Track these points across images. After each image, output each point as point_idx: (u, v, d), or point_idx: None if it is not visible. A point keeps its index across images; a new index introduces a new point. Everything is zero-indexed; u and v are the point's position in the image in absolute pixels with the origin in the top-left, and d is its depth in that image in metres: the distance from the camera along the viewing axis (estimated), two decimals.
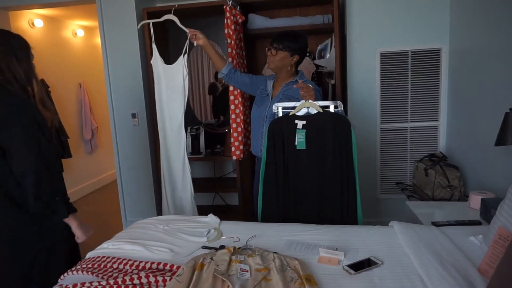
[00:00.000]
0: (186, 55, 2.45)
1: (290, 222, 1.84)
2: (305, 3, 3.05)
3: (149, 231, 1.76)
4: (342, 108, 1.97)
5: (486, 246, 1.42)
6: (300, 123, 1.91)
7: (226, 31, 2.57)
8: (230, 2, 2.56)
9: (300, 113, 1.93)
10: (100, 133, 5.33)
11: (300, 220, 1.85)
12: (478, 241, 1.50)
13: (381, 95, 2.99)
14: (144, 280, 1.28)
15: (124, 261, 1.45)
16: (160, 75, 2.54)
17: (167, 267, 1.39)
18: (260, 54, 3.27)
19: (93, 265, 1.45)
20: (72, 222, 1.57)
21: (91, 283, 1.28)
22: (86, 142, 5.03)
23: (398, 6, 2.87)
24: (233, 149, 2.64)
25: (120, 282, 1.27)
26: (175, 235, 1.71)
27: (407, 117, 2.99)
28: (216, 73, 3.39)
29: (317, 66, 3.11)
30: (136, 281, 1.28)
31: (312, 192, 1.94)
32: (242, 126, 2.65)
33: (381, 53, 2.93)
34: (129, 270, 1.39)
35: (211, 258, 1.39)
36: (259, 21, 2.99)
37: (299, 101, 1.96)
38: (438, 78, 2.90)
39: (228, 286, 1.24)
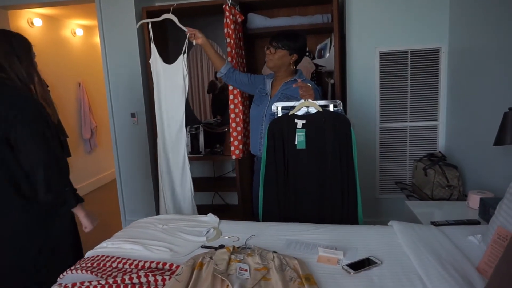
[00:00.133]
0: (185, 54, 2.45)
1: (290, 221, 1.84)
2: (305, 2, 3.05)
3: (148, 231, 1.76)
4: (341, 107, 1.97)
5: (485, 245, 1.42)
6: (300, 123, 1.91)
7: (225, 30, 2.56)
8: (230, 1, 2.56)
9: (299, 113, 1.93)
10: (99, 133, 5.33)
11: (301, 220, 1.85)
12: (477, 240, 1.50)
13: (381, 95, 2.99)
14: (143, 280, 1.28)
15: (124, 261, 1.44)
16: (160, 75, 2.54)
17: (167, 266, 1.39)
18: (260, 54, 3.27)
19: (92, 264, 1.45)
20: (79, 212, 1.65)
21: (90, 282, 1.28)
22: (85, 141, 5.03)
23: (398, 6, 2.87)
24: (232, 148, 2.64)
25: (119, 281, 1.27)
26: (174, 234, 1.71)
27: (406, 117, 2.99)
28: (216, 72, 3.39)
29: (317, 65, 3.11)
30: (135, 280, 1.28)
31: (312, 191, 1.94)
32: (242, 126, 2.64)
33: (381, 53, 2.93)
34: (129, 270, 1.39)
35: (211, 258, 1.39)
36: (258, 21, 2.99)
37: (298, 100, 1.96)
38: (438, 78, 2.90)
39: (228, 285, 1.24)
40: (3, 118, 1.46)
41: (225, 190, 3.40)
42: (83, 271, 1.40)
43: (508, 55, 2.07)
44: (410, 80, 2.94)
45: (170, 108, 2.54)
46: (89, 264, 1.45)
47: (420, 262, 1.33)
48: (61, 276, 1.42)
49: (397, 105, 2.99)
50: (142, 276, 1.29)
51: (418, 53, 2.90)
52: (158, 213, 2.71)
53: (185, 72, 2.46)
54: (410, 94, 2.95)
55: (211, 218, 1.89)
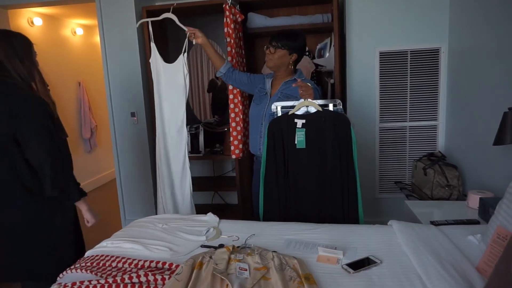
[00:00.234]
0: (185, 54, 2.45)
1: (290, 221, 1.84)
2: (305, 2, 3.05)
3: (148, 230, 1.76)
4: (341, 107, 1.97)
5: (485, 245, 1.42)
6: (299, 122, 1.91)
7: (225, 30, 2.56)
8: (230, 0, 2.56)
9: (299, 112, 1.93)
10: (99, 132, 5.33)
11: (301, 219, 1.85)
12: (476, 240, 1.50)
13: (380, 95, 2.99)
14: (143, 279, 1.28)
15: (123, 260, 1.45)
16: (160, 74, 2.54)
17: (166, 266, 1.39)
18: (260, 53, 3.27)
19: (92, 263, 1.45)
20: (82, 205, 1.70)
21: (90, 281, 1.28)
22: (85, 141, 5.03)
23: (398, 6, 2.87)
24: (232, 148, 2.64)
25: (119, 281, 1.27)
26: (174, 233, 1.71)
27: (406, 117, 2.99)
28: (216, 72, 3.39)
29: (317, 65, 3.11)
30: (135, 280, 1.28)
31: (312, 191, 1.94)
32: (242, 125, 2.64)
33: (380, 53, 2.93)
34: (128, 269, 1.39)
35: (210, 257, 1.39)
36: (258, 20, 2.99)
37: (297, 99, 1.96)
38: (437, 78, 2.91)
39: (227, 285, 1.24)
40: (10, 116, 1.52)
41: (225, 189, 3.40)
42: (83, 271, 1.40)
43: (508, 55, 2.07)
44: (410, 79, 2.94)
45: (171, 107, 2.54)
46: (88, 264, 1.45)
47: (420, 262, 1.33)
48: (60, 275, 1.42)
49: (397, 105, 2.99)
50: (142, 276, 1.29)
51: (418, 53, 2.90)
52: (157, 212, 2.71)
53: (186, 72, 2.46)
54: (410, 94, 2.95)
55: (210, 217, 1.89)
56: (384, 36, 2.92)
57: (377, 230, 1.68)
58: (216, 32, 3.23)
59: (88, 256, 1.54)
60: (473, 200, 2.05)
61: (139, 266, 1.41)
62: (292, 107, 1.95)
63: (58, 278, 1.41)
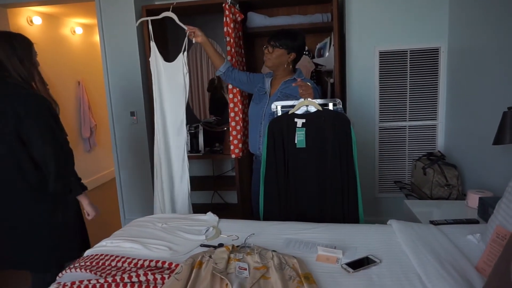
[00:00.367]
0: (185, 53, 2.44)
1: (291, 220, 1.84)
2: (305, 1, 3.05)
3: (147, 229, 1.76)
4: (341, 106, 1.97)
5: (484, 244, 1.43)
6: (299, 122, 1.91)
7: (225, 29, 2.56)
8: (229, 0, 2.56)
9: (299, 112, 1.93)
10: (99, 131, 5.32)
11: (301, 219, 1.85)
12: (475, 239, 1.50)
13: (380, 94, 2.99)
14: (142, 278, 1.28)
15: (123, 259, 1.45)
16: (160, 73, 2.53)
17: (166, 265, 1.39)
18: (259, 53, 3.27)
19: (91, 263, 1.45)
20: (84, 199, 1.79)
21: (89, 281, 1.28)
22: (85, 140, 5.03)
23: (397, 5, 2.87)
24: (232, 147, 2.64)
25: (118, 280, 1.27)
26: (173, 233, 1.71)
27: (405, 116, 2.99)
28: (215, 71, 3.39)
29: (316, 64, 3.11)
30: (134, 279, 1.28)
31: (313, 190, 1.94)
32: (241, 125, 2.64)
33: (380, 52, 2.93)
34: (128, 268, 1.39)
35: (210, 256, 1.39)
36: (258, 20, 2.99)
37: (297, 99, 1.96)
38: (437, 77, 2.91)
39: (227, 284, 1.24)
40: (13, 115, 1.58)
41: (225, 189, 3.40)
42: (82, 270, 1.39)
43: (507, 55, 2.07)
44: (410, 79, 2.94)
45: (171, 106, 2.53)
46: (88, 263, 1.45)
47: (419, 261, 1.33)
48: (60, 274, 1.42)
49: (397, 104, 2.99)
50: (142, 275, 1.29)
51: (418, 53, 2.90)
52: (153, 211, 2.69)
53: (185, 71, 2.45)
54: (410, 93, 2.95)
55: (210, 217, 1.89)
56: (383, 35, 2.92)
57: (377, 229, 1.68)
58: (215, 31, 3.22)
59: (87, 256, 1.54)
60: (473, 199, 2.05)
61: (138, 265, 1.41)
62: (292, 106, 1.95)
63: (57, 278, 1.41)
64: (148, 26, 2.58)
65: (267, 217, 1.96)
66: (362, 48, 2.96)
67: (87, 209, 1.82)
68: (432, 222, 1.80)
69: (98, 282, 1.27)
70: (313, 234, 1.65)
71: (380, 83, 2.98)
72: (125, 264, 1.42)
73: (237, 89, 2.58)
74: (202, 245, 1.59)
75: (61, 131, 1.72)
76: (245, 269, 1.32)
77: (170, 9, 2.47)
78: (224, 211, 3.23)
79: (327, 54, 2.97)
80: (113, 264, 1.43)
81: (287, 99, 2.08)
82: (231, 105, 2.63)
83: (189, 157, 2.57)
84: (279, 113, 2.00)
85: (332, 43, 2.83)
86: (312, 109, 1.92)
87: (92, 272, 1.37)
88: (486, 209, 1.83)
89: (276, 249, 1.48)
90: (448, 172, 2.45)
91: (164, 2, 3.25)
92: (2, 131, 1.61)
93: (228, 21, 2.55)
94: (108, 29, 3.24)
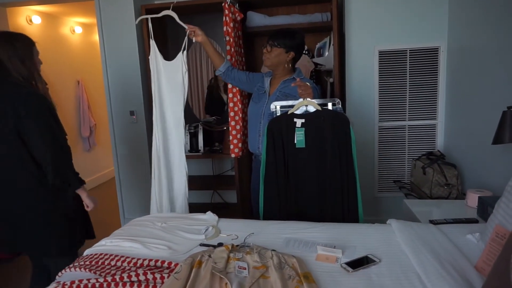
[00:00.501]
0: (185, 52, 2.44)
1: (291, 220, 1.84)
2: (304, 1, 3.05)
3: (147, 229, 1.76)
4: (340, 106, 1.97)
5: (483, 244, 1.43)
6: (299, 122, 1.91)
7: (224, 28, 2.56)
8: None
9: (298, 112, 1.93)
10: (98, 131, 5.32)
11: (301, 219, 1.85)
12: (475, 239, 1.51)
13: (380, 94, 2.99)
14: (142, 277, 1.28)
15: (122, 258, 1.44)
16: (160, 72, 2.53)
17: (165, 265, 1.39)
18: (259, 52, 3.26)
19: (90, 262, 1.45)
20: (82, 192, 1.85)
21: (89, 280, 1.28)
22: (84, 139, 5.02)
23: (397, 5, 2.87)
24: (231, 147, 2.64)
25: (118, 279, 1.27)
26: (173, 232, 1.71)
27: (405, 116, 2.99)
28: (215, 70, 3.39)
29: (316, 64, 3.11)
30: (134, 278, 1.28)
31: (312, 190, 1.94)
32: (241, 124, 2.64)
33: (380, 52, 2.93)
34: (127, 267, 1.39)
35: (209, 256, 1.39)
36: (257, 19, 2.99)
37: (296, 98, 1.96)
38: (437, 77, 2.91)
39: (226, 283, 1.24)
40: (13, 114, 1.64)
41: (224, 188, 3.40)
42: (82, 269, 1.39)
43: (507, 54, 2.07)
44: (409, 78, 2.94)
45: (169, 105, 2.53)
46: (87, 262, 1.45)
47: (419, 261, 1.33)
48: (59, 274, 1.42)
49: (396, 104, 2.99)
50: (141, 274, 1.29)
51: (417, 52, 2.90)
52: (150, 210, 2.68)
53: (184, 70, 2.45)
54: (409, 92, 2.95)
55: (210, 216, 1.89)
56: (383, 35, 2.92)
57: (376, 229, 1.68)
58: (215, 31, 3.22)
59: (87, 255, 1.54)
60: (472, 199, 2.05)
61: (138, 264, 1.40)
62: (291, 106, 1.95)
63: (56, 277, 1.41)
64: (148, 25, 2.58)
65: (267, 217, 1.97)
66: (362, 47, 2.96)
67: (86, 201, 1.88)
68: (431, 222, 1.80)
69: (97, 282, 1.27)
70: (313, 233, 1.65)
71: (379, 82, 2.97)
72: (125, 264, 1.42)
73: (237, 88, 2.58)
74: (202, 245, 1.59)
75: (60, 130, 1.77)
76: (245, 269, 1.32)
77: (171, 8, 2.47)
78: (223, 211, 3.23)
79: (326, 53, 2.96)
80: (113, 263, 1.43)
81: (286, 98, 2.08)
82: (230, 104, 2.62)
83: (188, 157, 2.56)
84: (278, 113, 2.00)
85: (332, 42, 2.83)
86: (312, 109, 1.91)
87: (92, 272, 1.37)
88: (485, 208, 1.83)
89: (276, 248, 1.48)
90: (447, 171, 2.45)
91: (163, 1, 3.24)
92: (3, 130, 1.67)
93: (227, 21, 2.55)
94: (107, 28, 3.24)
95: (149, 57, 2.56)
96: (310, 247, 1.52)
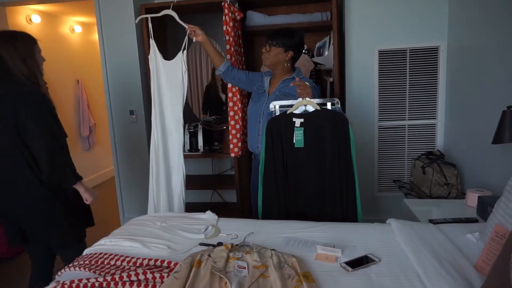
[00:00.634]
0: (185, 51, 2.44)
1: (290, 219, 1.84)
2: (304, 0, 3.05)
3: (146, 228, 1.76)
4: (339, 106, 1.97)
5: (483, 243, 1.43)
6: (298, 121, 1.90)
7: (224, 28, 2.56)
8: None
9: (297, 111, 1.93)
10: (98, 130, 5.32)
11: (300, 218, 1.85)
12: (474, 238, 1.51)
13: (379, 93, 2.99)
14: (141, 277, 1.28)
15: (122, 258, 1.44)
16: (159, 71, 2.53)
17: (165, 264, 1.39)
18: (259, 51, 3.26)
19: (90, 261, 1.45)
20: (79, 187, 1.86)
21: (88, 279, 1.28)
22: (84, 139, 5.02)
23: (397, 4, 2.87)
24: (231, 146, 2.64)
25: (117, 279, 1.27)
26: (172, 232, 1.71)
27: (405, 115, 2.99)
28: (214, 69, 3.39)
29: (316, 63, 3.11)
30: (133, 278, 1.28)
31: (311, 190, 1.94)
32: (241, 123, 2.64)
33: (379, 51, 2.93)
34: (127, 267, 1.39)
35: (209, 255, 1.39)
36: (257, 18, 2.99)
37: (295, 98, 1.96)
38: (436, 76, 2.91)
39: (226, 283, 1.24)
40: (14, 112, 1.66)
41: (224, 188, 3.40)
42: (81, 269, 1.39)
43: (507, 54, 2.07)
44: (409, 78, 2.94)
45: (169, 104, 2.53)
46: (87, 262, 1.45)
47: (418, 260, 1.34)
48: (59, 273, 1.42)
49: (396, 103, 2.99)
50: (140, 274, 1.29)
51: (417, 51, 2.89)
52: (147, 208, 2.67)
53: (184, 69, 2.45)
54: (409, 92, 2.95)
55: (209, 215, 1.89)
56: (383, 34, 2.92)
57: (376, 228, 1.68)
58: (215, 30, 3.22)
59: (86, 254, 1.54)
60: (472, 198, 2.05)
61: (137, 264, 1.40)
62: (290, 106, 1.95)
63: (56, 276, 1.41)
64: (147, 24, 2.58)
65: (266, 217, 1.96)
66: (362, 47, 2.96)
67: (84, 195, 1.89)
68: (431, 221, 1.80)
69: (97, 281, 1.27)
70: (312, 233, 1.65)
71: (379, 82, 2.97)
72: (124, 263, 1.42)
73: (236, 88, 2.58)
74: (201, 244, 1.59)
75: (60, 129, 1.79)
76: (244, 268, 1.32)
77: (171, 7, 2.47)
78: (223, 210, 3.24)
79: (326, 53, 2.96)
80: (112, 263, 1.43)
81: (285, 98, 2.08)
82: (230, 104, 2.62)
83: (188, 156, 2.56)
84: (277, 113, 2.00)
85: (332, 42, 2.83)
86: (311, 108, 1.91)
87: (91, 271, 1.37)
88: (485, 208, 1.84)
89: (275, 248, 1.48)
90: (447, 171, 2.45)
91: (163, 0, 3.24)
92: (4, 128, 1.70)
93: (227, 20, 2.55)
94: (107, 27, 3.24)
95: (149, 57, 2.56)
96: (309, 247, 1.52)
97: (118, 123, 3.36)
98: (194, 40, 2.33)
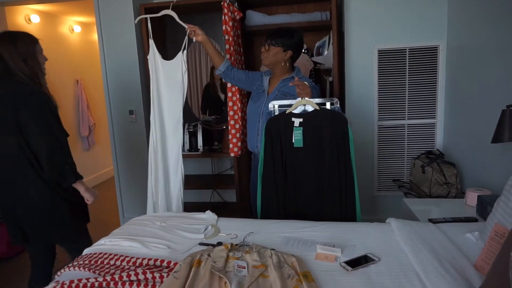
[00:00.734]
0: (185, 51, 2.43)
1: (289, 219, 1.84)
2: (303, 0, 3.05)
3: (146, 228, 1.75)
4: (338, 105, 1.97)
5: (482, 242, 1.43)
6: (297, 121, 1.90)
7: (224, 27, 2.56)
8: None
9: (296, 111, 1.93)
10: (98, 130, 5.32)
11: (299, 218, 1.85)
12: (474, 237, 1.51)
13: (379, 93, 2.99)
14: (141, 277, 1.28)
15: (121, 258, 1.44)
16: (158, 71, 2.52)
17: (164, 264, 1.39)
18: (258, 51, 3.25)
19: (90, 261, 1.45)
20: (79, 186, 1.86)
21: (87, 279, 1.28)
22: (83, 138, 5.02)
23: (396, 3, 2.87)
24: (231, 146, 2.64)
25: (117, 279, 1.27)
26: (172, 231, 1.71)
27: (404, 115, 2.99)
28: (212, 69, 3.39)
29: (315, 63, 3.11)
30: (133, 278, 1.28)
31: (310, 189, 1.94)
32: (240, 123, 2.64)
33: (379, 50, 2.93)
34: (126, 267, 1.39)
35: (208, 255, 1.39)
36: (257, 18, 2.98)
37: (295, 97, 1.96)
38: (436, 76, 2.91)
39: (225, 282, 1.24)
40: (15, 108, 1.68)
41: (224, 187, 3.40)
42: (81, 268, 1.39)
43: (506, 53, 2.07)
44: (409, 77, 2.94)
45: (168, 105, 2.52)
46: (86, 262, 1.45)
47: (418, 259, 1.34)
48: (58, 273, 1.42)
49: (395, 103, 2.99)
50: (140, 273, 1.29)
51: (417, 51, 2.90)
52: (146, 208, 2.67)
53: (184, 69, 2.45)
54: (408, 91, 2.96)
55: (209, 215, 1.89)
56: (382, 34, 2.92)
57: (376, 228, 1.68)
58: (214, 30, 3.22)
59: (86, 254, 1.54)
60: (471, 197, 2.05)
61: (137, 264, 1.40)
62: (290, 105, 1.95)
63: (55, 276, 1.41)
64: (147, 24, 2.58)
65: (265, 217, 1.96)
66: (361, 46, 2.96)
67: (85, 195, 1.89)
68: (430, 221, 1.80)
69: (97, 281, 1.27)
70: (312, 232, 1.65)
71: (379, 81, 2.98)
72: (124, 263, 1.42)
73: (236, 87, 2.58)
74: (201, 244, 1.59)
75: (61, 128, 1.80)
76: (244, 268, 1.32)
77: (170, 7, 2.47)
78: (223, 210, 3.24)
79: (326, 52, 2.96)
80: (112, 262, 1.43)
81: (285, 97, 2.08)
82: (230, 103, 2.62)
83: (188, 156, 2.55)
84: (277, 112, 2.00)
85: (331, 41, 2.83)
86: (310, 108, 1.91)
87: (91, 271, 1.37)
88: (484, 207, 1.84)
89: (275, 247, 1.48)
90: (447, 170, 2.45)
91: (162, 0, 3.24)
92: (6, 127, 1.72)
93: (226, 20, 2.54)
94: (106, 27, 3.23)
95: (148, 57, 2.55)
96: (309, 246, 1.52)
97: (117, 123, 3.36)
98: (194, 40, 2.33)
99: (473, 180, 2.46)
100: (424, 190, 2.51)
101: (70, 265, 1.44)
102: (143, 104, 3.27)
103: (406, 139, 3.03)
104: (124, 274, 1.29)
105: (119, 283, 1.26)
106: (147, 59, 2.58)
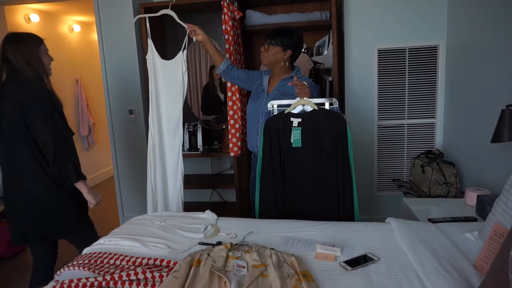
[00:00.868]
0: (185, 51, 2.43)
1: (287, 219, 1.84)
2: None
3: (146, 227, 1.75)
4: (337, 105, 1.96)
5: (482, 242, 1.43)
6: (295, 121, 1.90)
7: (223, 27, 2.55)
8: None
9: (295, 111, 1.93)
10: (97, 130, 5.32)
11: (298, 218, 1.85)
12: (473, 237, 1.51)
13: (379, 92, 2.99)
14: (140, 276, 1.28)
15: (121, 257, 1.44)
16: (158, 71, 2.52)
17: (164, 263, 1.39)
18: (258, 50, 3.25)
19: (89, 261, 1.45)
20: (82, 187, 1.86)
21: (87, 278, 1.28)
22: (83, 138, 5.02)
23: (396, 3, 2.87)
24: (230, 145, 2.64)
25: (116, 278, 1.27)
26: (172, 231, 1.71)
27: (404, 114, 3.00)
28: (211, 68, 3.39)
29: (315, 62, 3.11)
30: (132, 277, 1.28)
31: (309, 189, 1.94)
32: (240, 123, 2.64)
33: (379, 50, 2.93)
34: (126, 266, 1.39)
35: (208, 254, 1.39)
36: (256, 17, 2.99)
37: (294, 97, 1.96)
38: (435, 75, 2.91)
39: (225, 282, 1.24)
40: (21, 106, 1.72)
41: (223, 187, 3.40)
42: (80, 268, 1.39)
43: (506, 53, 2.07)
44: (408, 77, 2.94)
45: (167, 105, 2.52)
46: (86, 261, 1.45)
47: (417, 259, 1.34)
48: (58, 273, 1.42)
49: (395, 102, 2.99)
50: (140, 273, 1.29)
51: (416, 50, 2.90)
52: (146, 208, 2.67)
53: (184, 69, 2.45)
54: (408, 91, 2.96)
55: (209, 215, 1.89)
56: (382, 33, 2.92)
57: (375, 227, 1.68)
58: (214, 30, 3.22)
59: (85, 254, 1.54)
60: (471, 197, 2.05)
61: (137, 263, 1.40)
62: (288, 105, 1.95)
63: (55, 276, 1.41)
64: (145, 24, 2.58)
65: (263, 217, 1.96)
66: (361, 46, 2.96)
67: (87, 197, 1.88)
68: (430, 220, 1.80)
69: (96, 280, 1.27)
70: (312, 232, 1.65)
71: (378, 81, 2.98)
72: (124, 262, 1.42)
73: (236, 87, 2.58)
74: (201, 243, 1.59)
75: (65, 125, 1.84)
76: (244, 267, 1.32)
77: (169, 7, 2.46)
78: (222, 209, 3.24)
79: (325, 52, 2.96)
80: (112, 262, 1.43)
81: (284, 97, 2.08)
82: (229, 103, 2.62)
83: (187, 156, 2.55)
84: (275, 112, 2.00)
85: (331, 41, 2.83)
86: (308, 108, 1.91)
87: (91, 270, 1.37)
88: (484, 207, 1.84)
89: (275, 247, 1.48)
90: (446, 170, 2.45)
91: None
92: (13, 125, 1.75)
93: (226, 19, 2.54)
94: (106, 26, 3.23)
95: (147, 57, 2.55)
96: (309, 246, 1.52)
97: (117, 123, 3.36)
98: (194, 40, 2.33)
99: (473, 179, 2.46)
100: (423, 190, 2.51)
101: (69, 264, 1.44)
102: (142, 103, 3.26)
103: (405, 139, 3.03)
104: (124, 274, 1.29)
105: (119, 283, 1.26)
106: (146, 59, 2.58)
